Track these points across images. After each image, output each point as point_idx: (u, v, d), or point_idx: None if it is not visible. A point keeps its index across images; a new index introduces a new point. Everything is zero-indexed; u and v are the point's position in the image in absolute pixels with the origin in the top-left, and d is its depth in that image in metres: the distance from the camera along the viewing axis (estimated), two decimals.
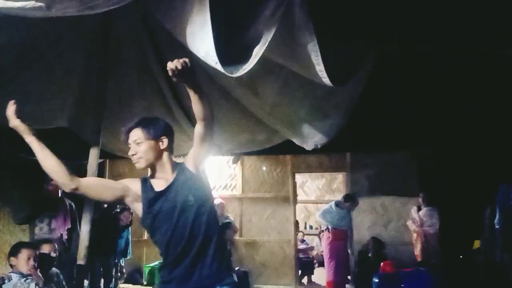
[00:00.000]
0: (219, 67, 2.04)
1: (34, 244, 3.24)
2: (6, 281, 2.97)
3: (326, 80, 2.38)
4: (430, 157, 6.42)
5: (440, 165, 6.34)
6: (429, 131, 5.32)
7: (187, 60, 1.79)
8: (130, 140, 2.07)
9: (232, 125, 4.29)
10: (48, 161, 1.98)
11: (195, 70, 1.87)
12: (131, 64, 3.86)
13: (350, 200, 6.63)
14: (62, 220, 4.67)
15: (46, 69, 3.48)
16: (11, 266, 3.14)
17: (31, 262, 3.06)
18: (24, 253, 3.07)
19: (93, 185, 2.12)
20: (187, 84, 1.88)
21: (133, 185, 2.08)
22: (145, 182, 2.09)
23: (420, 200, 6.54)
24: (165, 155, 2.09)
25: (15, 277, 3.01)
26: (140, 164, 2.06)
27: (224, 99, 3.90)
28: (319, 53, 2.22)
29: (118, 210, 6.16)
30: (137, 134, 2.05)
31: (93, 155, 3.47)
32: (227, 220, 6.41)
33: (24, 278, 3.03)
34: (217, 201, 6.74)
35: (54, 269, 3.42)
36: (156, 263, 6.79)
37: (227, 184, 7.87)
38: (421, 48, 3.15)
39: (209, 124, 2.00)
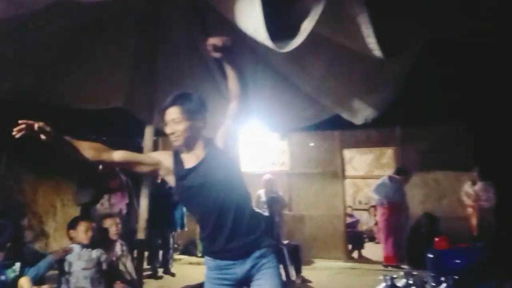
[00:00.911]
0: (268, 42, 2.05)
1: (92, 218, 3.45)
2: (69, 253, 3.22)
3: (377, 52, 2.33)
4: (486, 131, 6.16)
5: (496, 138, 6.07)
6: (485, 104, 5.09)
7: (228, 38, 1.86)
8: (167, 118, 2.10)
9: (280, 102, 4.29)
10: (83, 151, 2.07)
11: (235, 49, 1.93)
12: (181, 44, 3.94)
13: (402, 173, 6.51)
14: (120, 195, 4.93)
15: (101, 50, 3.63)
16: (71, 238, 3.38)
17: (90, 233, 3.28)
18: (82, 226, 3.29)
19: (126, 159, 2.16)
20: (226, 60, 1.94)
21: (165, 159, 2.16)
22: (177, 157, 2.15)
23: (474, 174, 6.31)
24: (201, 131, 2.13)
25: (76, 247, 3.26)
26: (178, 142, 2.10)
27: (270, 77, 3.91)
28: (369, 24, 2.17)
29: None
30: (174, 113, 2.07)
31: (148, 133, 3.63)
32: (274, 195, 6.51)
33: (85, 248, 3.27)
34: (266, 177, 6.84)
35: (120, 241, 3.63)
36: None
37: (275, 160, 7.94)
38: (477, 26, 2.99)
39: (243, 102, 2.04)
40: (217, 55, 1.90)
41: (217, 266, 2.13)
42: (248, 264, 2.08)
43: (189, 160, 2.13)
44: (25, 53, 3.16)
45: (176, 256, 7.24)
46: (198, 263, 6.94)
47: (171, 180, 2.18)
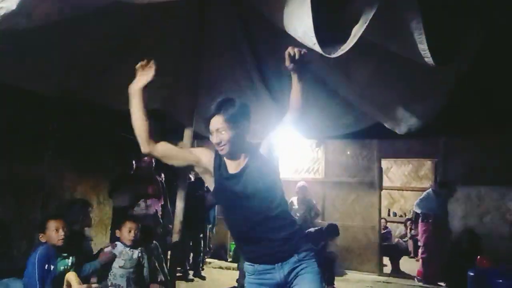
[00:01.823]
0: (317, 47, 2.00)
1: (136, 218, 3.48)
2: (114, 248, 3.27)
3: (428, 59, 2.23)
4: None
5: None
6: None
7: (306, 50, 1.92)
8: (212, 128, 2.09)
9: (318, 108, 4.22)
10: (138, 120, 2.11)
11: (309, 64, 2.01)
12: (223, 48, 3.94)
13: (444, 187, 6.28)
14: (157, 197, 5.00)
15: (145, 53, 3.66)
16: (116, 238, 3.43)
17: (132, 234, 3.30)
18: (126, 226, 3.33)
19: (167, 152, 2.15)
20: (297, 73, 1.99)
21: (205, 158, 2.15)
22: (219, 160, 2.13)
23: None
24: (245, 138, 2.12)
25: (120, 245, 3.29)
26: (224, 151, 2.09)
27: (311, 83, 3.84)
28: (422, 31, 2.08)
29: (206, 190, 6.44)
30: (219, 122, 2.05)
31: (187, 135, 3.62)
32: (307, 203, 6.43)
33: (128, 248, 3.29)
34: (300, 184, 6.76)
35: (155, 243, 3.66)
36: None
37: (309, 167, 7.85)
38: None
39: (299, 115, 2.09)
40: (290, 65, 1.95)
41: (255, 270, 2.12)
42: (286, 268, 2.06)
43: (231, 166, 2.12)
44: (72, 54, 3.24)
45: (207, 259, 7.26)
46: (228, 268, 6.93)
47: (207, 179, 2.19)
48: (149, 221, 4.45)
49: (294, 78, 2.02)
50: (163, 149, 2.14)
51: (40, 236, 2.88)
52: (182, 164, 2.23)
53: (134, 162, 5.25)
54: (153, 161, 5.16)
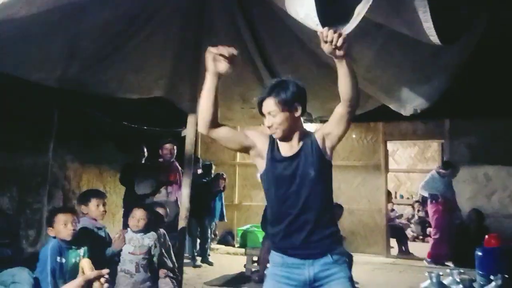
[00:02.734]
0: (319, 28, 1.95)
1: (143, 205, 3.50)
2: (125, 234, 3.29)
3: (434, 38, 2.18)
4: None
5: None
6: None
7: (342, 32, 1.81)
8: (264, 111, 2.05)
9: (324, 91, 4.17)
10: (207, 102, 1.99)
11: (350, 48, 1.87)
12: (223, 33, 3.89)
13: (449, 167, 6.26)
14: (177, 184, 5.02)
15: (145, 41, 3.63)
16: (125, 224, 3.45)
17: (141, 222, 3.30)
18: (135, 213, 3.33)
19: (225, 136, 2.09)
20: (343, 58, 1.86)
21: (260, 142, 2.11)
22: (273, 143, 2.10)
23: None
24: (299, 121, 2.08)
25: (130, 232, 3.31)
26: (277, 134, 2.06)
27: (315, 65, 3.80)
28: (427, 8, 2.03)
29: (213, 176, 6.46)
30: (271, 105, 2.02)
31: (191, 122, 3.62)
32: None
33: (139, 234, 3.31)
34: None
35: (162, 230, 3.66)
36: (248, 226, 7.05)
37: None
38: None
39: (352, 106, 1.97)
40: (337, 53, 1.83)
41: (284, 262, 2.04)
42: (317, 267, 1.99)
43: (285, 148, 2.09)
44: (74, 43, 3.21)
45: (214, 245, 7.31)
46: (235, 253, 6.98)
47: (258, 162, 2.14)
48: (171, 208, 4.47)
49: (339, 64, 1.90)
50: (223, 132, 2.09)
51: (49, 230, 2.84)
52: (237, 148, 2.21)
53: (145, 150, 5.28)
54: (175, 148, 5.18)
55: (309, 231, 2.00)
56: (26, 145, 4.72)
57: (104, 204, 3.23)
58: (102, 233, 3.27)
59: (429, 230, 7.56)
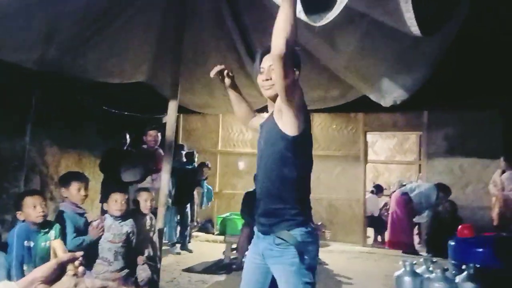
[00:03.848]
0: (302, 16, 1.95)
1: (123, 190, 3.44)
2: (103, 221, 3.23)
3: (415, 29, 2.21)
4: None
5: None
6: None
7: None
8: (264, 64, 2.02)
9: (304, 81, 4.17)
10: (236, 108, 2.38)
11: None
12: (206, 19, 3.86)
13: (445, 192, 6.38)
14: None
15: (126, 24, 3.58)
16: (103, 211, 3.39)
17: (119, 205, 3.23)
18: (113, 198, 3.28)
19: (256, 125, 2.28)
20: None
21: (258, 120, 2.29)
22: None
23: (501, 163, 6.14)
24: None
25: (109, 219, 3.25)
26: (270, 92, 2.01)
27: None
28: None
29: (198, 165, 6.44)
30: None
31: (172, 108, 3.59)
32: None
33: (118, 221, 3.26)
34: None
35: (150, 215, 3.64)
36: (228, 214, 7.07)
37: None
38: None
39: (278, 50, 1.67)
40: None
41: (256, 233, 2.10)
42: (264, 243, 1.98)
43: (266, 116, 2.17)
44: (52, 25, 3.13)
45: (194, 233, 7.31)
46: (215, 241, 7.00)
47: None
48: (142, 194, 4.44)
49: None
50: (255, 124, 2.32)
51: (18, 213, 2.77)
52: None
53: (128, 137, 5.23)
54: (159, 135, 5.13)
55: (263, 202, 2.00)
56: (2, 129, 4.61)
57: (86, 188, 3.14)
58: (81, 221, 3.16)
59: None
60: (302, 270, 1.88)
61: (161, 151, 5.17)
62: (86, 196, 3.16)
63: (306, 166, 2.03)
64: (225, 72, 2.28)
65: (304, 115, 1.95)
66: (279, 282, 1.95)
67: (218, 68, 2.25)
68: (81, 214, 3.18)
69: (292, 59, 1.76)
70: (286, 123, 1.91)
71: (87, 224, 3.19)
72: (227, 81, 2.30)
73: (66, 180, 3.19)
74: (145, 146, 5.25)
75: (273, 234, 1.93)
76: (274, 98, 1.99)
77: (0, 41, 2.99)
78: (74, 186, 3.09)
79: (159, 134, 5.15)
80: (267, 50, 1.93)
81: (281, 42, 1.66)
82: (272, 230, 1.94)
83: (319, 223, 6.35)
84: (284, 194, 1.94)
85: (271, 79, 1.97)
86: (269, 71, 1.98)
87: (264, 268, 2.02)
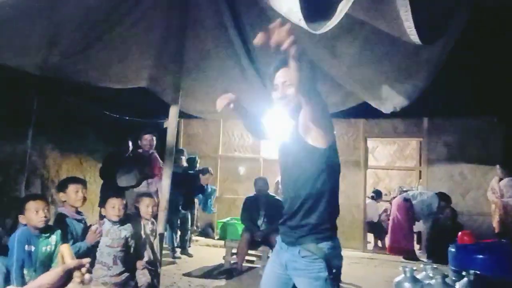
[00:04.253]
0: (302, 23, 1.97)
1: (120, 195, 3.44)
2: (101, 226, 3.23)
3: (414, 37, 2.22)
4: None
5: None
6: None
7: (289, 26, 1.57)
8: (277, 81, 2.00)
9: None
10: (246, 126, 2.32)
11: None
12: (208, 25, 3.88)
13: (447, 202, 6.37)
14: (158, 177, 5.00)
15: (129, 29, 3.60)
16: (101, 216, 3.39)
17: (116, 210, 3.25)
18: (111, 203, 3.29)
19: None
20: (290, 56, 1.62)
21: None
22: None
23: (498, 170, 6.16)
24: None
25: (107, 223, 3.26)
26: (286, 108, 2.00)
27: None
28: (409, 7, 2.07)
29: (199, 170, 6.45)
30: (286, 75, 1.95)
31: (173, 113, 3.61)
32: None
33: (117, 225, 3.27)
34: None
35: (152, 220, 3.65)
36: (228, 219, 7.07)
37: None
38: None
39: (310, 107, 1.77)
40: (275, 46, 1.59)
41: (278, 241, 2.09)
42: (288, 255, 1.97)
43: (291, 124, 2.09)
44: (55, 30, 3.16)
45: (194, 237, 7.31)
46: (215, 246, 7.00)
47: None
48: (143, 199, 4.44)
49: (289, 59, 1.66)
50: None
51: (20, 217, 2.79)
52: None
53: (130, 143, 5.23)
54: (154, 139, 5.15)
55: (290, 216, 1.97)
56: (4, 133, 4.63)
57: (83, 190, 3.14)
58: (79, 227, 3.15)
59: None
60: (328, 285, 1.87)
61: (156, 155, 5.18)
62: (85, 198, 3.15)
63: (337, 176, 2.02)
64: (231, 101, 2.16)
65: (331, 124, 1.96)
66: None
67: (222, 102, 2.14)
68: (79, 220, 3.18)
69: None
70: (317, 137, 1.90)
71: (86, 230, 3.18)
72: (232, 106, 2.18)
73: (63, 184, 3.19)
74: (140, 150, 5.25)
75: (299, 246, 1.91)
76: (291, 112, 1.99)
77: (2, 46, 3.02)
78: (72, 188, 3.09)
79: (154, 138, 5.16)
80: (279, 66, 1.95)
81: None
82: (299, 242, 1.92)
83: None
84: (318, 209, 1.92)
85: (286, 96, 1.96)
86: (284, 87, 1.96)
87: (285, 278, 2.00)
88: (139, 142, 5.19)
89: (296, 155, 1.96)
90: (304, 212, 1.92)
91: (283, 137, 2.10)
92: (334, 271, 1.88)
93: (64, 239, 2.92)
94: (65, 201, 3.13)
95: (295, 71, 1.66)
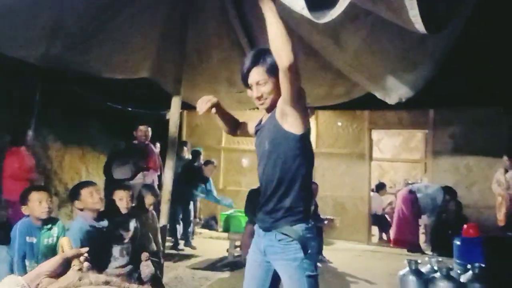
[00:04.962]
0: (305, 12, 1.92)
1: (128, 187, 3.43)
2: None
3: (419, 26, 2.17)
4: None
5: None
6: None
7: None
8: (251, 82, 2.01)
9: (310, 78, 4.16)
10: (222, 126, 2.40)
11: None
12: (210, 15, 3.84)
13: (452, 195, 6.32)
14: (153, 166, 4.99)
15: (131, 19, 3.57)
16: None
17: (124, 202, 3.24)
18: (117, 195, 3.27)
19: (245, 132, 2.38)
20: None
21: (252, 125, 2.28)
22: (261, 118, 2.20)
23: (505, 162, 6.09)
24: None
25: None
26: (265, 104, 2.04)
27: (302, 51, 3.77)
28: None
29: (203, 162, 6.43)
30: (259, 74, 1.98)
31: (175, 104, 3.58)
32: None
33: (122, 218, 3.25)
34: None
35: (152, 212, 3.65)
36: (232, 211, 7.07)
37: None
38: None
39: (284, 61, 1.76)
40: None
41: (256, 229, 2.14)
42: (266, 240, 2.03)
43: (265, 118, 2.14)
44: (57, 21, 3.13)
45: (197, 230, 7.32)
46: (218, 238, 7.00)
47: None
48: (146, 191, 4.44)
49: (263, 9, 1.80)
50: (243, 131, 2.36)
51: (23, 208, 2.77)
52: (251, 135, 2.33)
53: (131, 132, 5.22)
54: (149, 130, 5.12)
55: (265, 201, 2.04)
56: (7, 124, 4.63)
57: (97, 191, 3.00)
58: (94, 235, 2.97)
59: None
60: (305, 264, 1.93)
61: (152, 146, 5.16)
62: (101, 199, 3.04)
63: (311, 162, 2.08)
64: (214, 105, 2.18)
65: (307, 112, 2.02)
66: (283, 278, 2.00)
67: (205, 106, 2.13)
68: (100, 228, 3.01)
69: (297, 64, 1.80)
70: (293, 123, 1.95)
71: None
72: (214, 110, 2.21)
73: (75, 191, 3.03)
74: (135, 142, 5.22)
75: (275, 230, 1.98)
76: (269, 109, 2.05)
77: (5, 37, 3.00)
78: (85, 192, 2.95)
79: (149, 129, 5.12)
80: (250, 66, 1.98)
81: (287, 53, 1.76)
82: (274, 226, 1.99)
83: (329, 217, 6.33)
84: (291, 192, 1.98)
85: (262, 95, 2.00)
86: (258, 87, 2.00)
87: (265, 265, 2.06)
88: (134, 133, 5.15)
89: (273, 140, 2.01)
90: (278, 197, 1.99)
91: (260, 123, 2.16)
92: (309, 251, 1.94)
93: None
94: (82, 208, 2.96)
95: (273, 26, 1.77)
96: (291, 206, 1.98)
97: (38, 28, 3.09)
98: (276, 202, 2.00)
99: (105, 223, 3.04)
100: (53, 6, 2.92)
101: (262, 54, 1.99)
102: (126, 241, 3.20)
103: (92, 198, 2.94)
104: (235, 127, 2.39)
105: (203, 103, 2.13)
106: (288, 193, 1.98)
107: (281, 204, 1.99)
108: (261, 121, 2.17)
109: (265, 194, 2.05)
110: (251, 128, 2.29)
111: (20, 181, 4.24)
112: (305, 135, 2.00)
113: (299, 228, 1.96)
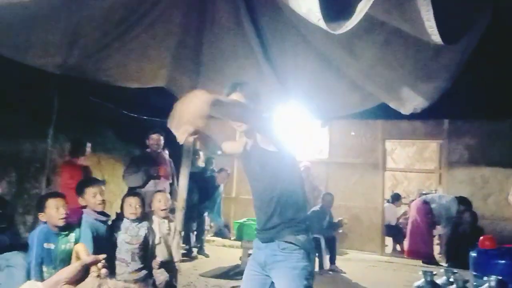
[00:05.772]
0: (322, 24, 1.94)
1: (138, 193, 3.48)
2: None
3: (436, 37, 2.17)
4: None
5: None
6: None
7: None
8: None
9: (324, 88, 4.18)
10: (203, 147, 2.56)
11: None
12: (225, 25, 3.88)
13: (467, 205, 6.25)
14: (164, 175, 5.02)
15: (147, 30, 3.63)
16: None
17: (133, 209, 3.30)
18: (128, 202, 3.33)
19: (230, 151, 2.50)
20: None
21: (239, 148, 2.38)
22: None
23: None
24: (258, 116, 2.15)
25: (126, 221, 3.31)
26: (242, 127, 2.17)
27: (316, 62, 3.79)
28: (430, 7, 2.02)
29: (216, 170, 6.45)
30: (238, 99, 2.10)
31: None
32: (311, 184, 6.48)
33: (135, 223, 3.31)
34: (303, 164, 6.76)
35: (170, 219, 3.68)
36: (245, 219, 7.07)
37: (314, 148, 7.83)
38: None
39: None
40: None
41: (255, 244, 2.22)
42: (268, 251, 2.10)
43: (249, 143, 2.26)
44: (75, 30, 3.20)
45: (210, 238, 7.33)
46: (232, 246, 7.00)
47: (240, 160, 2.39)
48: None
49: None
50: (230, 149, 2.47)
51: (40, 215, 2.83)
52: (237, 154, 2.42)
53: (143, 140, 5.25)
54: (162, 138, 5.15)
55: (267, 217, 2.11)
56: (25, 131, 4.72)
57: (101, 193, 3.13)
58: (103, 228, 3.16)
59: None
60: (304, 274, 2.01)
61: (164, 154, 5.19)
62: (103, 201, 3.15)
63: (300, 176, 2.27)
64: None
65: (281, 136, 2.17)
66: (278, 286, 2.06)
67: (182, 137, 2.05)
68: (103, 222, 3.19)
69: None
70: (275, 145, 2.10)
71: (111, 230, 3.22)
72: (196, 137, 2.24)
73: (80, 188, 3.18)
74: (148, 150, 5.26)
75: (278, 240, 2.07)
76: (247, 132, 2.19)
77: (23, 46, 3.07)
78: (89, 192, 3.10)
79: (161, 138, 5.14)
80: (230, 92, 2.16)
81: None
82: (278, 237, 2.08)
83: (340, 219, 6.29)
84: (290, 206, 2.11)
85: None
86: None
87: (262, 279, 2.15)
88: (146, 141, 5.18)
89: (262, 162, 2.13)
90: (279, 212, 2.09)
91: (246, 150, 2.27)
92: (311, 260, 2.08)
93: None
94: (85, 206, 3.11)
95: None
96: (292, 219, 2.10)
97: (56, 36, 3.16)
98: (278, 217, 2.10)
99: (107, 215, 3.23)
100: (71, 16, 2.98)
101: (239, 83, 2.21)
102: (136, 245, 3.24)
103: (94, 199, 3.09)
104: (214, 149, 2.49)
105: (179, 134, 2.00)
106: (288, 207, 2.10)
107: (282, 218, 2.09)
108: (246, 144, 2.28)
109: (266, 213, 2.13)
110: (234, 148, 2.43)
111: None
112: (288, 151, 2.15)
113: (302, 238, 2.07)
